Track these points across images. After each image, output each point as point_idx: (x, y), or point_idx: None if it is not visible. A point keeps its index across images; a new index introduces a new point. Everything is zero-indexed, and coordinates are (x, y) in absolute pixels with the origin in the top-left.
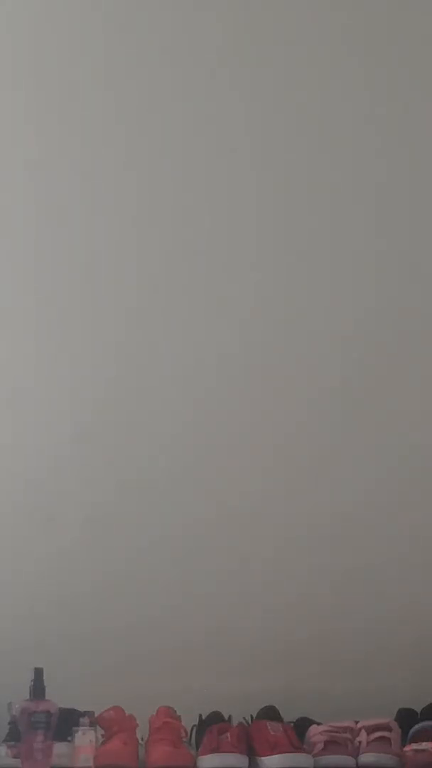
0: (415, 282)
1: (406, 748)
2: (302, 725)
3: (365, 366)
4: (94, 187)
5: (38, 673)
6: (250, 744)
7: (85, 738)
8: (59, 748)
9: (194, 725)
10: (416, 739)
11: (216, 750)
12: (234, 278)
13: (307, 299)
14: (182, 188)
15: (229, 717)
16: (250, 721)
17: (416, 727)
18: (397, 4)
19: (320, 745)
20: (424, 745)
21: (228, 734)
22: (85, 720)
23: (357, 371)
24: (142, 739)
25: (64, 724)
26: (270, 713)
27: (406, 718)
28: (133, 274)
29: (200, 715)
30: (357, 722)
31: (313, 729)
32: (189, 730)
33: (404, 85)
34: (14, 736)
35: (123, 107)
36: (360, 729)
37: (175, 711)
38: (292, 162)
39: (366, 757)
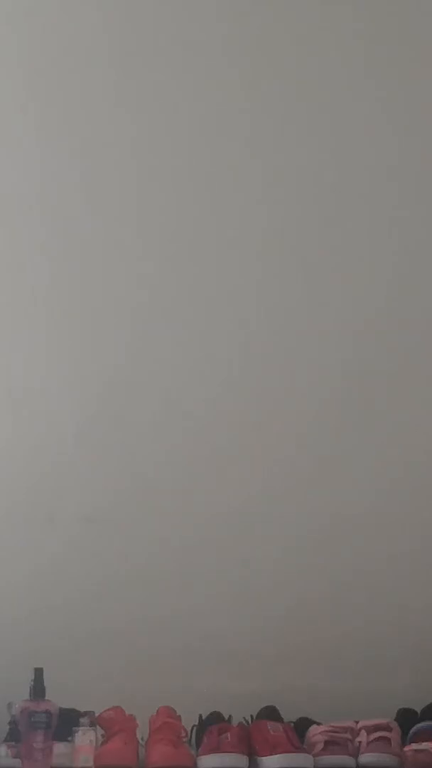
0: (419, 289)
1: (406, 748)
2: (302, 725)
3: (366, 371)
4: (96, 187)
5: (38, 673)
6: (250, 744)
7: (85, 738)
8: (59, 748)
9: (194, 725)
10: (416, 739)
11: (216, 750)
12: (236, 281)
13: (308, 305)
14: (184, 190)
15: (229, 717)
16: (250, 721)
17: (416, 727)
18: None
19: (320, 745)
20: (424, 745)
21: (228, 734)
22: (85, 720)
23: (358, 376)
24: (142, 739)
25: (64, 724)
26: (270, 713)
27: (406, 718)
28: (134, 275)
29: (200, 715)
30: (357, 722)
31: (313, 729)
32: (189, 730)
33: (415, 85)
34: (14, 736)
35: (126, 110)
36: (360, 729)
37: (175, 711)
38: (295, 164)
39: (366, 757)
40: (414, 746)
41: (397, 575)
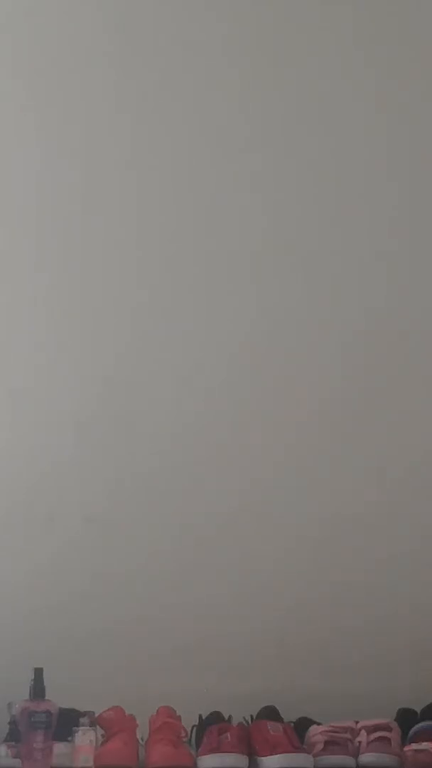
0: (418, 288)
1: (406, 748)
2: (302, 725)
3: (366, 371)
4: (95, 188)
5: (38, 673)
6: (250, 744)
7: (85, 738)
8: (59, 748)
9: (194, 725)
10: (416, 739)
11: (216, 750)
12: (235, 278)
13: (308, 305)
14: (183, 190)
15: (229, 717)
16: (250, 721)
17: (416, 727)
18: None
19: (320, 745)
20: (424, 745)
21: (228, 734)
22: (85, 720)
23: (358, 375)
24: (142, 739)
25: (64, 724)
26: (270, 713)
27: (406, 718)
28: (133, 274)
29: (200, 715)
30: (357, 722)
31: (313, 729)
32: (189, 730)
33: (415, 85)
34: (14, 736)
35: (126, 111)
36: (360, 729)
37: (175, 711)
38: (295, 164)
39: (366, 757)
40: (414, 746)
41: (397, 575)
